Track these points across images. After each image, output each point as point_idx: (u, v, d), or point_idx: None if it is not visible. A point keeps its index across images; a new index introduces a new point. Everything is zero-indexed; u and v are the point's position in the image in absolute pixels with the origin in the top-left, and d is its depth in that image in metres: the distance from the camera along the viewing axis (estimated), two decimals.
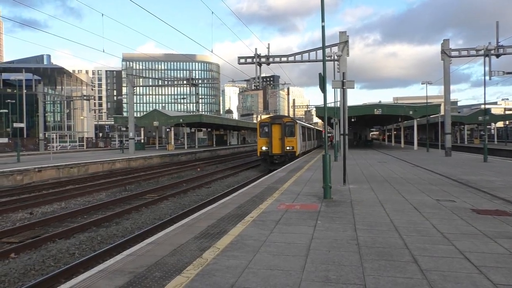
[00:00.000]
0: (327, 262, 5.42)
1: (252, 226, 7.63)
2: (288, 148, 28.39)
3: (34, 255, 9.20)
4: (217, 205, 10.01)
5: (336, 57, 28.09)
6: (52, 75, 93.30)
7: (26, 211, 14.72)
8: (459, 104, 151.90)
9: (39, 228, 11.96)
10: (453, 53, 30.13)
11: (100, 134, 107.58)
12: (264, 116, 62.17)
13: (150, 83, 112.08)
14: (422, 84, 40.46)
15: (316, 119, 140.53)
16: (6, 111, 63.55)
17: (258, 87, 40.34)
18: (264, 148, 28.45)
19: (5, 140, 44.96)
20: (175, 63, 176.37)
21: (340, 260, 5.48)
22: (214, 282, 4.69)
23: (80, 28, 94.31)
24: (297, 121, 31.97)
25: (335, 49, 29.70)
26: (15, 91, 71.23)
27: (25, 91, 74.77)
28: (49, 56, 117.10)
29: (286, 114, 52.27)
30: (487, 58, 27.92)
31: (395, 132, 70.94)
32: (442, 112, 41.47)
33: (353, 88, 14.51)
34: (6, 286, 7.52)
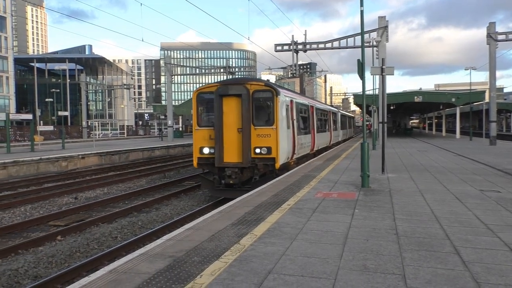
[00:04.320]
0: (365, 251, 5.37)
1: (289, 213, 7.64)
2: (258, 151, 13.08)
3: (79, 238, 9.59)
4: (253, 193, 10.08)
5: (375, 43, 27.45)
6: (94, 64, 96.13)
7: (71, 196, 15.34)
8: (506, 90, 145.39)
9: (83, 213, 12.45)
10: (500, 37, 28.81)
11: (140, 122, 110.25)
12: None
13: (188, 72, 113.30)
14: (465, 70, 38.97)
15: (353, 107, 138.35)
16: (52, 100, 66.15)
17: (294, 75, 40.07)
18: (205, 150, 13.45)
19: (50, 128, 46.88)
20: (212, 51, 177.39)
21: (379, 250, 5.41)
22: (252, 268, 4.74)
23: (120, 18, 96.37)
24: (284, 90, 15.47)
25: (374, 34, 29.02)
26: (59, 80, 73.89)
27: (69, 80, 77.40)
28: (90, 46, 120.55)
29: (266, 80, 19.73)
30: None
31: (436, 120, 68.82)
32: (486, 99, 39.91)
33: (393, 74, 14.16)
34: (53, 267, 7.90)
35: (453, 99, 39.18)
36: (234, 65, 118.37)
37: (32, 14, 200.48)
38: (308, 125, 18.98)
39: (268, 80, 15.12)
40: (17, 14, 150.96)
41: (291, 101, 15.12)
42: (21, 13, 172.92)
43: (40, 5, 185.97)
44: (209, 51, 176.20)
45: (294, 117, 15.42)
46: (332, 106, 39.95)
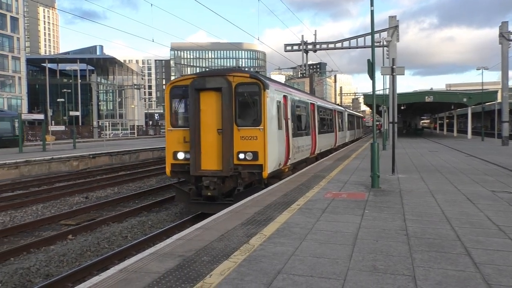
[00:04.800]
0: (375, 251, 5.34)
1: (299, 213, 7.63)
2: (242, 156, 11.10)
3: (90, 237, 9.68)
4: (263, 192, 10.08)
5: (385, 43, 27.30)
6: (105, 65, 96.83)
7: (82, 195, 15.48)
8: None
9: (94, 212, 12.56)
10: None
11: (150, 122, 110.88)
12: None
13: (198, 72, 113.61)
14: (477, 69, 38.56)
15: (364, 107, 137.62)
16: (63, 100, 66.78)
17: (304, 75, 40.01)
18: (180, 155, 11.63)
19: (62, 128, 47.34)
20: (222, 51, 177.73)
21: (388, 250, 5.38)
22: (261, 268, 4.75)
23: (131, 19, 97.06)
24: (275, 84, 13.37)
25: (384, 34, 28.87)
26: (70, 81, 74.59)
27: (80, 80, 78.06)
28: (101, 47, 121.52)
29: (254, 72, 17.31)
30: None
31: (447, 121, 68.26)
32: (499, 99, 39.44)
33: (403, 74, 14.10)
34: (64, 265, 7.98)
35: (465, 99, 38.82)
36: (244, 65, 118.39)
37: (44, 15, 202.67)
38: (307, 125, 16.94)
39: (258, 72, 12.16)
40: (29, 15, 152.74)
41: (285, 97, 13.23)
42: (33, 14, 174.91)
43: (52, 6, 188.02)
44: (219, 51, 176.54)
45: (289, 116, 13.50)
46: (339, 105, 37.60)
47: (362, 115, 63.45)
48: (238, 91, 11.09)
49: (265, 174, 11.02)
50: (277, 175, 12.46)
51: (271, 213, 7.67)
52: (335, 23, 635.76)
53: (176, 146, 11.65)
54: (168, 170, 11.86)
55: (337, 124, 26.27)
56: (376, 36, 27.40)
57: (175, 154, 11.65)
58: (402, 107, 43.19)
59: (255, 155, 10.96)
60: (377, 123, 60.33)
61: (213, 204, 10.99)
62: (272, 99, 11.57)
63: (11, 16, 77.71)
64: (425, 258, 5.07)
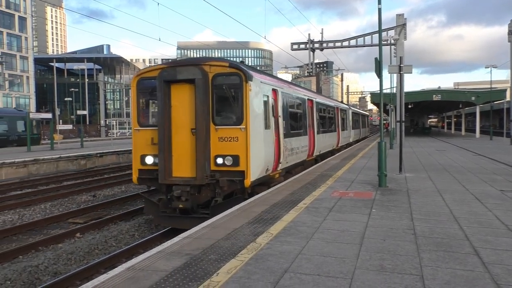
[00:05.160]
0: (382, 251, 5.32)
1: (305, 212, 7.62)
2: (221, 161, 9.49)
3: (97, 235, 9.74)
4: (270, 191, 10.08)
5: (392, 41, 27.17)
6: (112, 64, 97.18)
7: (89, 193, 15.57)
8: None
9: (101, 210, 12.62)
10: None
11: None
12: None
13: None
14: (486, 68, 38.26)
15: (370, 106, 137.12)
16: (71, 99, 67.20)
17: (311, 73, 39.93)
18: (149, 160, 10.00)
19: (69, 126, 47.67)
20: (228, 50, 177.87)
21: (396, 250, 5.36)
22: (268, 267, 4.75)
23: (138, 18, 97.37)
24: (261, 76, 11.22)
25: (391, 32, 28.72)
26: (78, 80, 74.96)
27: (87, 80, 78.47)
28: (108, 46, 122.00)
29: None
30: None
31: (455, 119, 67.78)
32: (508, 98, 39.13)
33: (411, 73, 14.00)
34: (72, 263, 8.03)
35: (473, 98, 38.53)
36: (250, 64, 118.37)
37: (52, 15, 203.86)
38: (304, 123, 15.20)
39: (242, 62, 11.06)
40: (37, 14, 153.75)
41: (274, 91, 11.60)
42: (41, 13, 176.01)
43: (59, 5, 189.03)
44: (225, 50, 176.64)
45: (280, 113, 11.84)
46: (342, 102, 35.73)
47: (367, 113, 62.59)
48: (215, 83, 9.47)
49: (247, 182, 9.32)
50: (265, 182, 10.93)
51: (278, 212, 7.67)
52: (342, 22, 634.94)
53: (144, 148, 9.99)
54: (134, 176, 10.23)
55: (340, 123, 24.43)
56: (384, 34, 27.27)
57: (143, 158, 9.98)
58: (410, 106, 43.03)
59: (236, 159, 9.32)
60: (384, 122, 60.02)
61: (186, 218, 9.45)
62: (257, 92, 9.93)
63: (19, 16, 78.28)
64: (433, 257, 5.04)
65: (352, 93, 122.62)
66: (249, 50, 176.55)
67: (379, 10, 11.42)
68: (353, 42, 32.75)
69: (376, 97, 39.43)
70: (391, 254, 5.19)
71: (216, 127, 9.41)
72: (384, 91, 23.02)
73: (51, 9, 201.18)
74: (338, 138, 23.54)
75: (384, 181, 10.64)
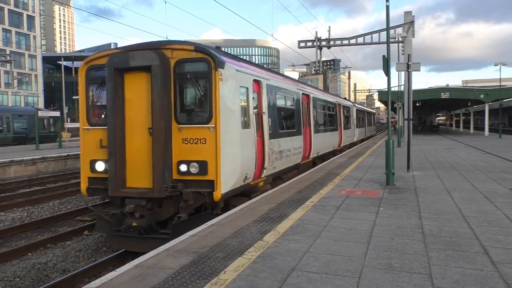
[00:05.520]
0: (390, 249, 5.29)
1: (313, 211, 7.60)
2: (185, 168, 7.70)
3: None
4: (277, 189, 10.06)
5: (400, 39, 27.00)
6: None
7: None
8: None
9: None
10: None
11: None
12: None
13: None
14: (495, 65, 37.96)
15: (378, 104, 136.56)
16: (78, 97, 67.36)
17: (318, 71, 39.83)
18: (100, 166, 8.22)
19: (77, 125, 47.85)
20: (235, 48, 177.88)
21: (404, 248, 5.33)
22: (275, 265, 4.74)
23: (145, 17, 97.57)
24: (237, 62, 8.93)
25: (399, 30, 28.55)
26: None
27: None
28: (116, 45, 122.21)
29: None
30: None
31: (463, 117, 67.32)
32: None
33: (419, 70, 13.89)
34: (80, 261, 8.08)
35: (482, 96, 38.23)
36: (257, 62, 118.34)
37: (60, 13, 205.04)
38: (298, 122, 13.34)
39: (218, 47, 9.24)
40: (45, 13, 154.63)
41: (257, 82, 9.75)
42: (49, 12, 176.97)
43: (67, 4, 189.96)
44: (232, 48, 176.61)
45: (265, 109, 10.06)
46: (348, 100, 33.45)
47: (374, 111, 61.46)
48: (178, 71, 7.78)
49: (217, 194, 7.58)
50: (245, 192, 9.24)
51: (285, 210, 7.65)
52: (350, 19, 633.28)
53: (94, 152, 8.28)
54: (83, 186, 8.53)
55: (342, 121, 22.56)
56: (392, 32, 27.11)
57: (92, 164, 8.29)
58: (418, 104, 42.78)
59: (203, 166, 7.58)
60: (392, 120, 59.69)
61: (142, 239, 7.70)
62: (231, 83, 8.14)
63: (27, 15, 78.85)
64: (441, 256, 5.00)
65: (360, 91, 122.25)
66: (256, 48, 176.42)
67: (387, 7, 11.35)
68: (360, 39, 32.60)
69: (384, 95, 39.25)
70: (399, 252, 5.16)
71: (180, 126, 7.74)
72: (392, 89, 22.88)
73: (59, 7, 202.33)
74: (340, 138, 21.85)
75: (391, 180, 10.58)
